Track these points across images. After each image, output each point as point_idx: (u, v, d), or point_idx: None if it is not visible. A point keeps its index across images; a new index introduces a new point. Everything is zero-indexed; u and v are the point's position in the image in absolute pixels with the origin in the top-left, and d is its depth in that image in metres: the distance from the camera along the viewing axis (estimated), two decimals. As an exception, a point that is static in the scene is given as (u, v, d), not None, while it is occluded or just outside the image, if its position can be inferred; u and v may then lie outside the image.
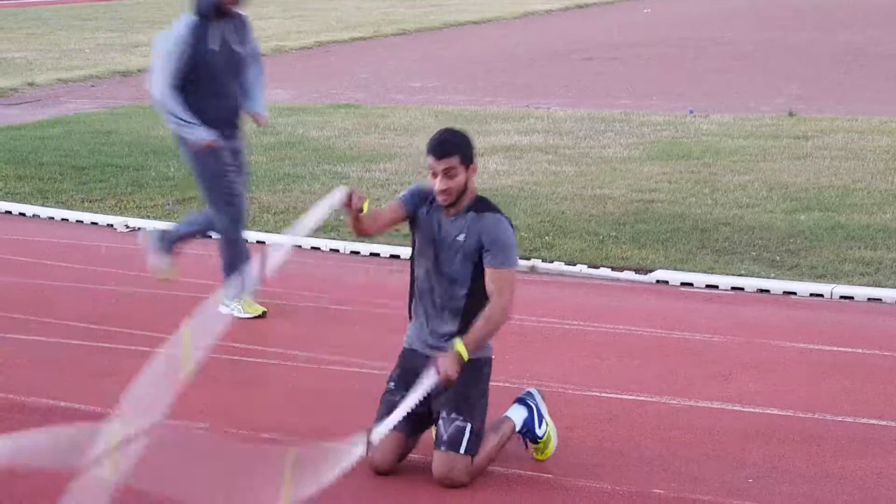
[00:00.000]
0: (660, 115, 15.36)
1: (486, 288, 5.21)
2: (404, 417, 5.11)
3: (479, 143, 13.43)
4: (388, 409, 5.20)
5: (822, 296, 8.01)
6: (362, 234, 5.31)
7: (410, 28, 30.11)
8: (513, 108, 16.60)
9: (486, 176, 11.66)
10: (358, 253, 9.31)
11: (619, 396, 6.25)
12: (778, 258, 8.73)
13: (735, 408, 6.07)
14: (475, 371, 5.23)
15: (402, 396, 5.17)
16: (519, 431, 5.38)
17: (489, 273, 5.22)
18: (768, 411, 6.02)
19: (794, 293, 8.08)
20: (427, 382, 5.09)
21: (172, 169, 12.32)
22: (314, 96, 18.56)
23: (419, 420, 5.25)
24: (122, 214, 10.61)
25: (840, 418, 5.92)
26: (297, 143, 13.92)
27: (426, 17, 32.69)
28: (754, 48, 23.64)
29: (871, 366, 6.70)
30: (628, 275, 8.58)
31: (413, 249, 5.44)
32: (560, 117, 15.50)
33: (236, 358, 6.87)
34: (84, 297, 8.23)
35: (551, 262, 8.89)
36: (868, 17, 29.55)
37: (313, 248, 9.42)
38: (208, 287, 8.22)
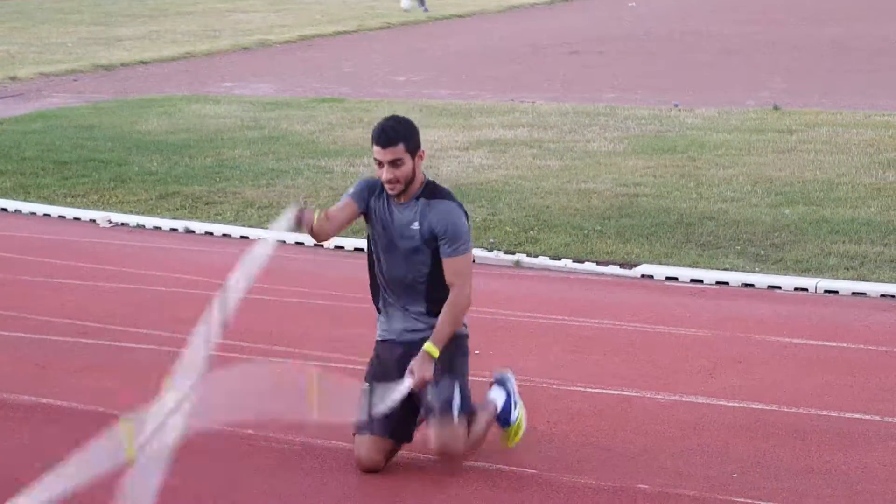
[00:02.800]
0: (645, 109, 15.34)
1: (446, 277, 5.22)
2: (387, 419, 5.12)
3: (463, 136, 13.56)
4: (366, 412, 5.18)
5: (806, 290, 8.00)
6: (321, 240, 5.29)
7: (395, 22, 30.04)
8: (498, 101, 16.56)
9: (471, 170, 11.64)
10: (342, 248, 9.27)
11: (604, 391, 6.23)
12: (762, 252, 8.72)
13: (720, 402, 6.05)
14: (453, 344, 5.26)
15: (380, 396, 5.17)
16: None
17: (446, 263, 5.22)
18: (753, 406, 6.00)
19: (779, 287, 8.08)
20: (403, 388, 5.11)
21: (155, 164, 12.27)
22: (298, 90, 18.51)
23: (404, 421, 5.24)
24: (104, 209, 10.55)
25: (825, 412, 5.91)
26: (281, 137, 13.88)
27: (411, 11, 32.61)
28: (739, 42, 23.63)
29: (855, 360, 6.69)
30: (613, 269, 8.56)
31: (369, 240, 5.43)
32: (545, 111, 15.47)
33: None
34: (66, 292, 8.19)
35: (536, 256, 8.87)
36: (853, 10, 29.57)
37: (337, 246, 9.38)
38: (193, 282, 8.20)
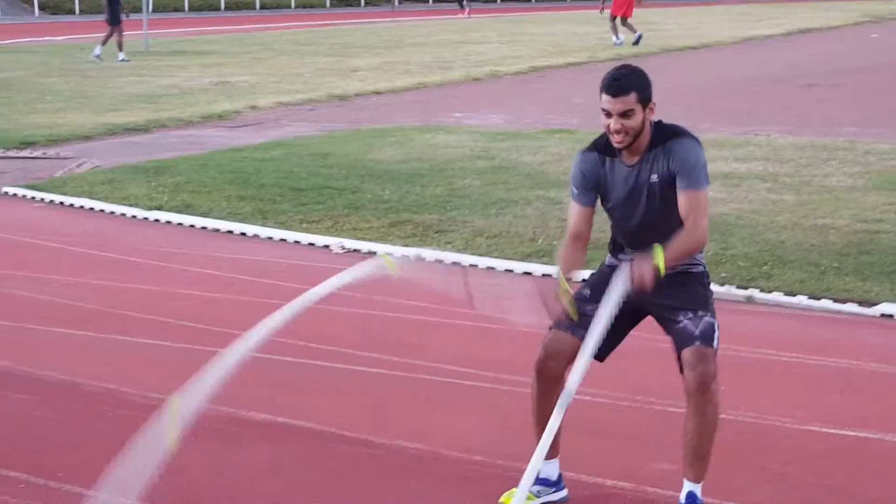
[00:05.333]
0: (886, 144, 14.86)
1: (680, 212, 4.86)
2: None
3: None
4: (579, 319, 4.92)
5: None
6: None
7: (625, 54, 29.93)
8: (731, 134, 16.30)
9: (703, 203, 11.46)
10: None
11: (840, 432, 6.02)
12: None
13: (965, 449, 5.78)
14: (699, 282, 5.00)
15: (594, 308, 4.86)
16: None
17: (681, 197, 4.86)
18: None
19: None
20: (619, 288, 4.75)
21: (388, 192, 12.48)
22: (528, 121, 18.59)
23: (612, 335, 4.91)
24: (338, 235, 10.77)
25: None
26: (511, 167, 13.94)
27: (643, 43, 32.44)
28: None
29: None
30: (851, 307, 8.28)
31: (605, 204, 5.10)
32: (780, 144, 15.15)
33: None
34: (301, 316, 8.36)
35: (770, 292, 8.66)
36: None
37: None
38: (420, 308, 8.28)
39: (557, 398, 4.62)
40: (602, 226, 5.34)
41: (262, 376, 6.95)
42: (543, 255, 9.72)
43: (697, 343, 4.80)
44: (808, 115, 18.58)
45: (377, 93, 22.96)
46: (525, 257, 9.77)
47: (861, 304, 8.31)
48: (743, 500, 5.23)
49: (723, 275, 8.93)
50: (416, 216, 11.36)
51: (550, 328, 5.02)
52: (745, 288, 8.70)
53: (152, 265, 9.88)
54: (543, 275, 9.35)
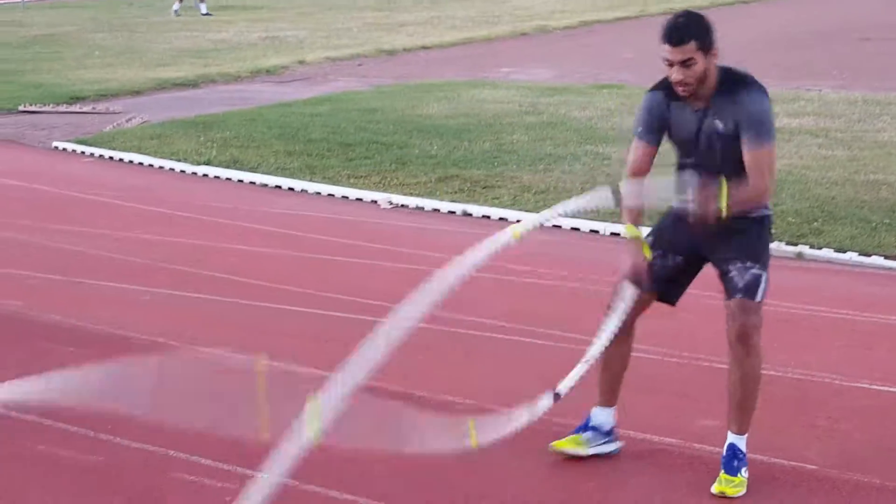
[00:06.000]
0: (939, 98, 14.68)
1: (746, 168, 4.78)
2: (660, 279, 4.97)
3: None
4: (659, 274, 5.00)
5: None
6: None
7: (678, 7, 29.63)
8: (783, 89, 16.12)
9: (753, 158, 11.37)
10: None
11: (891, 389, 5.98)
12: None
13: None
14: (761, 226, 4.96)
15: (660, 261, 4.99)
16: None
17: (746, 155, 4.77)
18: None
19: None
20: (677, 198, 4.74)
21: (435, 147, 12.45)
22: (577, 76, 18.48)
23: (680, 281, 5.06)
24: (386, 191, 10.78)
25: None
26: (559, 123, 13.87)
27: (693, -4, 32.11)
28: None
29: None
30: (902, 263, 8.22)
31: (671, 139, 5.03)
32: (832, 100, 14.98)
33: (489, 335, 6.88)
34: (348, 270, 8.39)
35: (820, 248, 8.59)
36: None
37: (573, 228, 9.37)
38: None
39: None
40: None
41: (307, 331, 7.00)
42: (592, 211, 9.67)
43: (740, 295, 4.80)
44: (861, 69, 18.34)
45: (425, 48, 22.87)
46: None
47: (912, 260, 8.24)
48: (791, 456, 5.21)
49: (773, 231, 8.85)
50: (463, 171, 11.33)
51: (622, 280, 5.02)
52: (795, 244, 8.65)
53: (201, 220, 9.93)
54: (591, 231, 9.33)
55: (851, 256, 8.41)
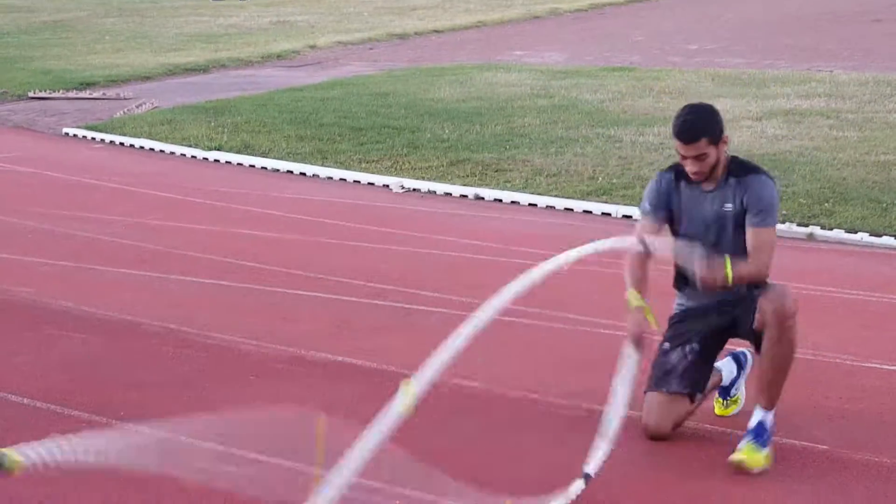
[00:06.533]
0: (951, 79, 14.62)
1: (747, 245, 4.98)
2: (681, 375, 5.08)
3: (756, 106, 13.22)
4: (662, 371, 5.12)
5: None
6: None
7: (688, -10, 29.57)
8: (793, 71, 16.10)
9: (764, 140, 11.35)
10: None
11: (901, 370, 5.98)
12: None
13: None
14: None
15: (679, 352, 5.12)
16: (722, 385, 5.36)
17: (749, 233, 4.98)
18: None
19: None
20: (693, 259, 4.91)
21: (447, 131, 12.46)
22: (588, 59, 18.45)
23: (702, 369, 5.15)
24: (397, 175, 10.79)
25: None
26: (571, 106, 13.87)
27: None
28: None
29: None
30: (913, 244, 8.21)
31: (674, 226, 5.21)
32: (843, 81, 14.94)
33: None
34: (360, 255, 8.40)
35: (830, 229, 8.59)
36: None
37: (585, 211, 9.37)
38: (482, 248, 8.28)
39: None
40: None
41: (321, 316, 7.00)
42: (603, 194, 9.69)
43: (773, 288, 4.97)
44: (872, 50, 18.29)
45: (436, 31, 22.86)
46: (584, 196, 9.73)
47: (924, 241, 8.23)
48: (802, 437, 5.21)
49: (784, 212, 8.86)
50: (475, 155, 11.34)
51: (645, 391, 5.14)
52: (806, 225, 8.64)
53: (212, 205, 9.94)
54: (603, 213, 9.33)
55: (862, 237, 8.40)
